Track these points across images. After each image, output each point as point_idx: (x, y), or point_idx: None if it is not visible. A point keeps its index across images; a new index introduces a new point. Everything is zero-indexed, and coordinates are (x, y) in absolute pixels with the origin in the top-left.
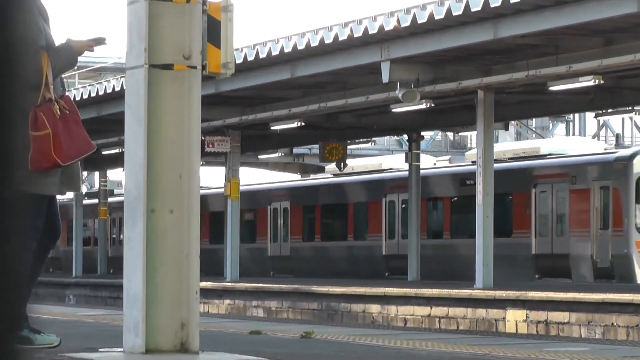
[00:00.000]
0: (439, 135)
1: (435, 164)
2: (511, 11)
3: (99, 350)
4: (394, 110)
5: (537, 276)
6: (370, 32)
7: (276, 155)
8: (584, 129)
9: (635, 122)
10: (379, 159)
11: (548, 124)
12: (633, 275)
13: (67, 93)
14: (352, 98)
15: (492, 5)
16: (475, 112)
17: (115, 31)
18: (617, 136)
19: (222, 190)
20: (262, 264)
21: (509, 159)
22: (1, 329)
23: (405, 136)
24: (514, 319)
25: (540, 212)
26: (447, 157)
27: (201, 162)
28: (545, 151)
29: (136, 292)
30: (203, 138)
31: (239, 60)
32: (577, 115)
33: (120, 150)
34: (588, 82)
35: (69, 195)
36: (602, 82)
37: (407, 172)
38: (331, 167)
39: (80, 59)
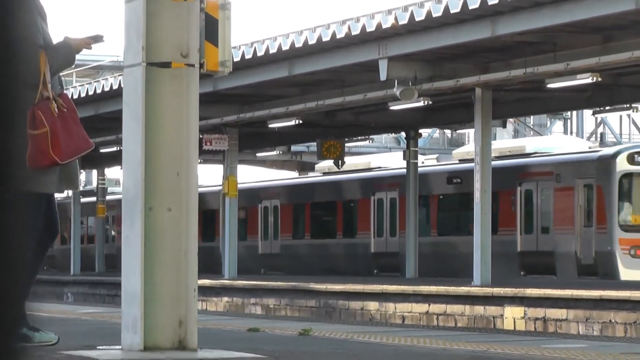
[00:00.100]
0: (436, 132)
1: (423, 163)
2: (509, 8)
3: (98, 348)
4: (391, 107)
5: (522, 273)
6: (368, 29)
7: (274, 153)
8: (582, 127)
9: (633, 120)
10: (368, 157)
11: (546, 122)
12: (616, 272)
13: (65, 91)
14: (350, 96)
15: (489, 3)
16: (473, 110)
17: (113, 29)
18: (602, 135)
19: (214, 188)
20: (253, 262)
21: (495, 157)
22: (3, 327)
23: (403, 134)
24: (512, 316)
25: (525, 210)
26: (435, 155)
27: (199, 160)
28: (530, 150)
29: (134, 290)
30: (201, 136)
31: (237, 59)
32: (574, 112)
33: (118, 149)
34: (586, 79)
35: (62, 193)
36: (600, 79)
37: (395, 171)
38: (321, 165)
39: (78, 57)
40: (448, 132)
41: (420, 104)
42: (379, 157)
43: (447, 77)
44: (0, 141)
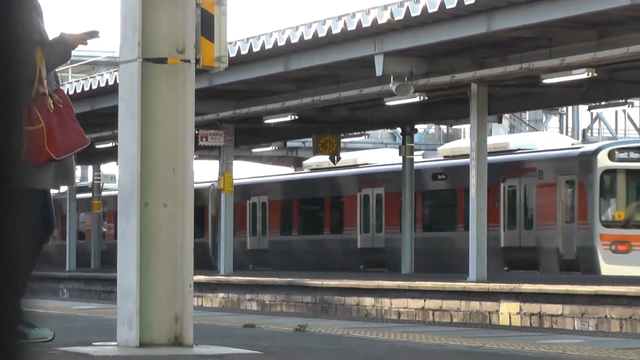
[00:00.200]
0: (432, 128)
1: None
2: (505, 4)
3: (93, 344)
4: (387, 103)
5: (505, 268)
6: (364, 25)
7: (270, 148)
8: (577, 122)
9: (628, 115)
10: (354, 154)
11: (541, 117)
12: (597, 268)
13: (61, 87)
14: (346, 91)
15: None
16: (469, 105)
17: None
18: (584, 131)
19: (203, 184)
20: (242, 258)
21: None
22: (3, 325)
23: (398, 129)
24: (508, 311)
25: (508, 206)
26: (421, 152)
27: (195, 156)
28: (514, 146)
29: (130, 286)
30: (196, 132)
31: (233, 54)
32: (570, 108)
33: (114, 144)
34: (581, 75)
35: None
36: (595, 74)
37: (381, 167)
38: (308, 162)
39: (73, 52)
40: (444, 127)
41: (416, 99)
42: (365, 154)
43: (442, 72)
44: (2, 140)
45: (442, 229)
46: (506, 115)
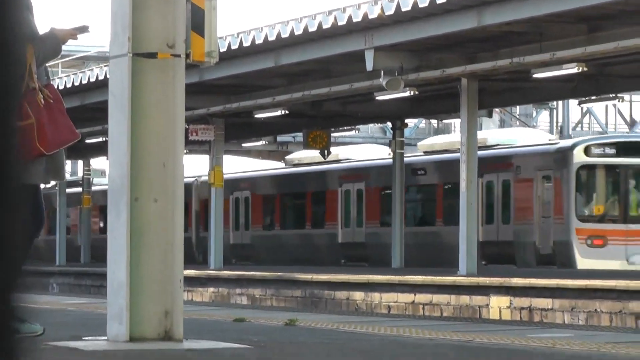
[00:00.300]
0: (422, 123)
1: (390, 154)
2: None
3: (83, 338)
4: (378, 98)
5: (483, 262)
6: (354, 20)
7: (260, 143)
8: (568, 117)
9: (618, 109)
10: (335, 149)
11: (532, 112)
12: (573, 262)
13: (51, 82)
14: (336, 86)
15: None
16: (459, 100)
17: (98, 19)
18: (561, 127)
19: (187, 179)
20: (224, 252)
21: (458, 149)
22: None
23: (389, 124)
24: (498, 305)
25: (486, 201)
26: None
27: (185, 151)
28: (492, 142)
29: (120, 281)
30: (187, 126)
31: (223, 49)
32: (560, 102)
33: (104, 139)
34: (572, 69)
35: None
36: (585, 69)
37: (362, 163)
38: (290, 157)
39: (63, 47)
40: (434, 122)
41: (407, 94)
42: (346, 149)
43: (433, 67)
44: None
45: (422, 224)
46: (496, 109)
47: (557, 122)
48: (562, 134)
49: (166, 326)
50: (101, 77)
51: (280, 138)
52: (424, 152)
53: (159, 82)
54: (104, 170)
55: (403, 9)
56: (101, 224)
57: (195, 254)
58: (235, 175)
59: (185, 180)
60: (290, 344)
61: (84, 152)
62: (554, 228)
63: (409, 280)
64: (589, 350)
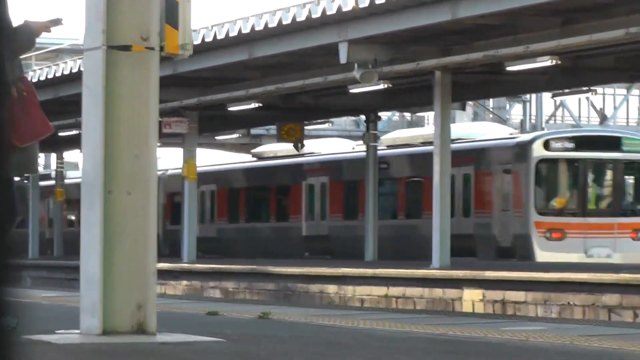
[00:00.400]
0: (396, 115)
1: (353, 148)
2: None
3: (56, 332)
4: (351, 91)
5: None
6: (329, 12)
7: (234, 136)
8: (541, 110)
9: (592, 102)
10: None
11: (505, 105)
12: (532, 255)
13: (24, 75)
14: (310, 79)
15: None
16: (433, 93)
17: (72, 12)
18: (521, 122)
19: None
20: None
21: (421, 143)
22: None
23: (362, 117)
24: (471, 298)
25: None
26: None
27: (158, 144)
28: (453, 136)
29: (93, 274)
30: (160, 119)
31: (197, 42)
32: (534, 95)
33: (78, 132)
34: (545, 62)
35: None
36: (559, 62)
37: (325, 156)
38: (256, 150)
39: (37, 40)
40: (408, 115)
41: (380, 87)
42: (311, 143)
43: (407, 60)
44: None
45: (384, 217)
46: (470, 102)
47: (530, 115)
48: (522, 129)
49: (139, 319)
50: (75, 70)
51: (253, 131)
52: (387, 146)
53: (133, 75)
54: (77, 163)
55: (377, 2)
56: (72, 217)
57: (162, 247)
58: (201, 169)
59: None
60: (263, 337)
61: (57, 145)
62: (514, 221)
63: (382, 274)
64: (562, 343)
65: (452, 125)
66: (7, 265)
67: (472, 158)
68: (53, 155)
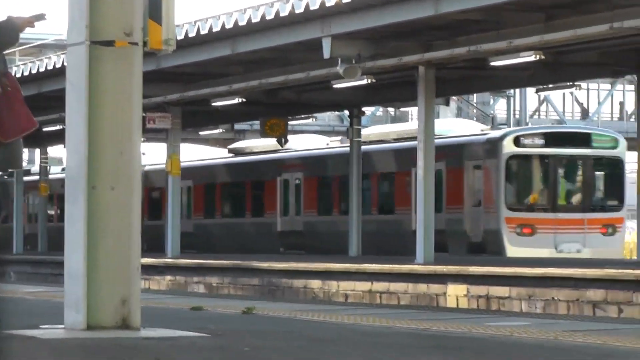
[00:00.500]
0: (380, 111)
1: (328, 144)
2: None
3: (41, 327)
4: (335, 86)
5: None
6: (312, 8)
7: (217, 131)
8: (525, 105)
9: (575, 97)
10: (275, 140)
11: (489, 100)
12: (503, 250)
13: (8, 70)
14: (293, 74)
15: None
16: (416, 88)
17: (56, 7)
18: (493, 118)
19: None
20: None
21: (394, 139)
22: None
23: (346, 112)
24: (455, 293)
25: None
26: (339, 137)
27: (142, 139)
28: None
29: (77, 269)
30: (144, 114)
31: (180, 37)
32: (518, 90)
33: (62, 127)
34: (529, 57)
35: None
36: (542, 57)
37: (300, 152)
38: (232, 146)
39: (21, 35)
40: (391, 110)
41: (364, 82)
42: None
43: (390, 55)
44: None
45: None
46: (454, 97)
47: (514, 111)
48: (493, 125)
49: (123, 314)
50: (59, 65)
51: (237, 126)
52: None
53: (116, 70)
54: (61, 158)
55: None
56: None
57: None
58: None
59: None
60: (248, 332)
61: (41, 140)
62: (484, 217)
63: (366, 269)
64: (547, 338)
65: None
66: None
67: (444, 154)
68: (37, 151)
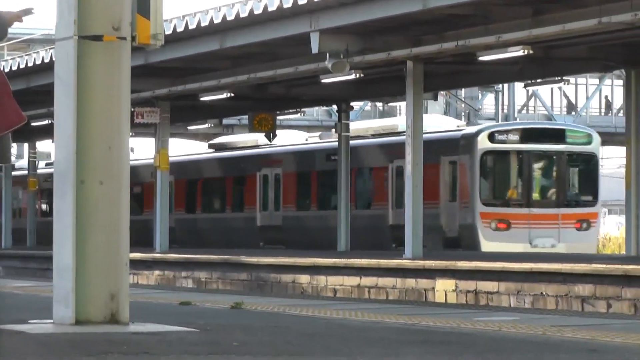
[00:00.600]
0: (368, 105)
1: (307, 140)
2: None
3: (29, 321)
4: (323, 80)
5: (393, 245)
6: (300, 2)
7: (206, 126)
8: (514, 99)
9: (564, 92)
10: (256, 135)
11: (477, 94)
12: (478, 244)
13: None
14: (282, 69)
15: None
16: (405, 83)
17: (43, 2)
18: (469, 114)
19: None
20: (148, 235)
21: (372, 135)
22: None
23: (334, 107)
24: (444, 288)
25: (397, 185)
26: (318, 133)
27: (130, 134)
28: (402, 128)
29: (66, 263)
30: (132, 109)
31: (168, 32)
32: (506, 85)
33: (50, 122)
34: (517, 52)
35: None
36: (531, 52)
37: (279, 148)
38: (212, 142)
39: (9, 30)
40: (380, 105)
41: (352, 76)
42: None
43: (378, 50)
44: None
45: (336, 208)
46: (442, 92)
47: (502, 105)
48: (469, 121)
49: (112, 309)
50: (47, 60)
51: (226, 121)
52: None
53: (105, 65)
54: (50, 153)
55: None
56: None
57: None
58: None
59: None
60: (236, 327)
61: (29, 135)
62: (460, 212)
63: (354, 264)
64: (535, 334)
65: (401, 118)
66: None
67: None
68: (25, 145)
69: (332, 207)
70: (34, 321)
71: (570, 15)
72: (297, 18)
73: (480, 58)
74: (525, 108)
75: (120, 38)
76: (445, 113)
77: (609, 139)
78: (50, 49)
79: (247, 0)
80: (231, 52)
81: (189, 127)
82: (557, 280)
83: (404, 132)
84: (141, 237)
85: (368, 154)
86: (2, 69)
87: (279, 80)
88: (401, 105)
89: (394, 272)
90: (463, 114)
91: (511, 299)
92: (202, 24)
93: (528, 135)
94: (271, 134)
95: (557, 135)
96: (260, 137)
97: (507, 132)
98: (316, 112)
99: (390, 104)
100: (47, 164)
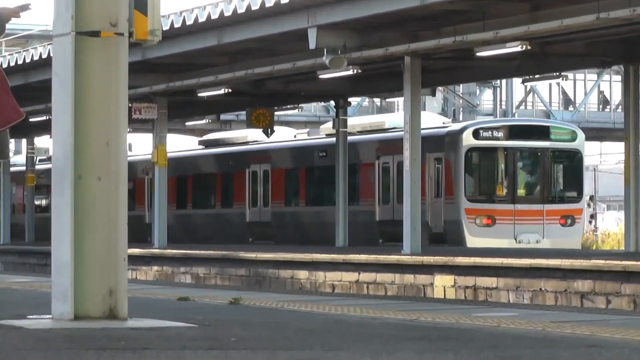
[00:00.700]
0: (366, 101)
1: (295, 137)
2: None
3: (28, 317)
4: (321, 76)
5: (380, 241)
6: None
7: (203, 121)
8: (511, 95)
9: (562, 88)
10: (245, 131)
11: (475, 90)
12: (463, 240)
13: None
14: (279, 64)
15: None
16: (402, 78)
17: None
18: (454, 111)
19: None
20: (140, 231)
21: (358, 132)
22: None
23: (332, 102)
24: (442, 284)
25: (383, 181)
26: (306, 130)
27: (128, 129)
28: (389, 125)
29: (64, 259)
30: (130, 105)
31: (166, 27)
32: (504, 81)
33: (48, 118)
34: (515, 48)
35: None
36: (529, 47)
37: (268, 145)
38: (203, 138)
39: (7, 26)
40: (377, 100)
41: (350, 72)
42: (255, 132)
43: (376, 45)
44: None
45: (323, 204)
46: (440, 88)
47: (500, 101)
48: (454, 118)
49: (110, 305)
50: (45, 56)
51: (223, 117)
52: (326, 135)
53: (102, 61)
54: (48, 149)
55: None
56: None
57: None
58: (149, 157)
59: None
60: (235, 323)
61: (27, 130)
62: (445, 208)
63: (353, 259)
64: (534, 329)
65: (388, 115)
66: None
67: None
68: (24, 141)
69: (320, 203)
70: (33, 317)
71: (568, 10)
72: (295, 14)
73: (478, 54)
74: (523, 104)
75: (118, 34)
76: (444, 109)
77: (607, 134)
78: (48, 44)
79: None
80: (229, 47)
81: (186, 123)
82: (556, 276)
83: (391, 128)
84: (135, 233)
85: (355, 151)
86: (0, 65)
87: (277, 76)
88: (399, 101)
89: (393, 268)
90: (461, 109)
91: (510, 295)
92: (200, 20)
93: (512, 132)
94: (269, 130)
95: (542, 132)
96: (249, 134)
97: (491, 129)
98: (314, 108)
99: (388, 100)
100: (40, 160)
